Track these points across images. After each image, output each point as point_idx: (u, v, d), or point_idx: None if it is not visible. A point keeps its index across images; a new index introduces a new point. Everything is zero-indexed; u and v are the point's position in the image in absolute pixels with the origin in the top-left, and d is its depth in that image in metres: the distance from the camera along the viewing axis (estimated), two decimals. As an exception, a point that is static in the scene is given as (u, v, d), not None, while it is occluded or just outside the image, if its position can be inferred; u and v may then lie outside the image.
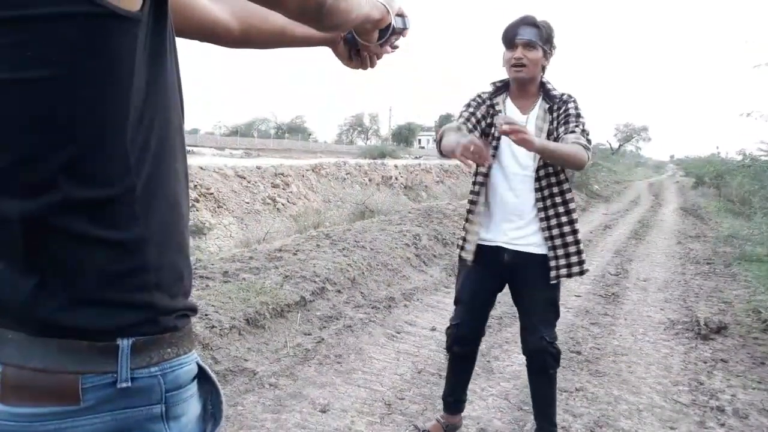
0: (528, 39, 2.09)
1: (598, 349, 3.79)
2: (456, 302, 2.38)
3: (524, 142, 1.79)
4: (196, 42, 0.94)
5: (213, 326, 3.19)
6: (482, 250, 2.24)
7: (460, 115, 2.22)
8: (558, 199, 2.17)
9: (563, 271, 2.18)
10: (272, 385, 2.91)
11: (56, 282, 0.61)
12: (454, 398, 2.49)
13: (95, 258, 0.62)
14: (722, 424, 2.77)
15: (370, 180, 17.91)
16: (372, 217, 9.00)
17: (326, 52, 1.04)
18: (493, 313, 4.21)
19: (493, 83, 2.29)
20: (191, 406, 0.71)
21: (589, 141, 2.09)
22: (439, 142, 2.08)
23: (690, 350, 3.85)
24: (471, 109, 2.21)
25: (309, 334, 3.60)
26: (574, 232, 2.18)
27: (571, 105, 2.16)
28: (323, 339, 3.52)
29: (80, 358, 0.61)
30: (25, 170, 0.59)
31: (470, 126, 2.16)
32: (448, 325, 2.41)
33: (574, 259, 2.18)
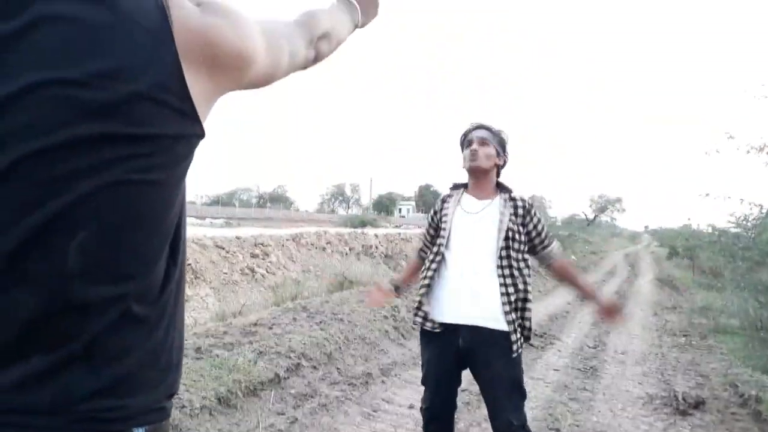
0: (482, 137, 2.34)
1: (578, 426, 3.74)
2: (423, 383, 2.37)
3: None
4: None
5: (183, 406, 3.09)
6: (439, 328, 2.25)
7: (422, 239, 2.55)
8: (517, 273, 2.21)
9: (521, 342, 2.23)
10: (242, 470, 2.80)
11: (98, 367, 0.65)
12: None
13: (140, 338, 0.69)
14: (703, 507, 2.72)
15: (350, 249, 17.89)
16: (351, 287, 8.94)
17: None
18: (471, 388, 4.18)
19: (454, 184, 2.48)
20: None
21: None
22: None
23: (669, 426, 3.81)
24: (425, 232, 2.52)
25: (282, 414, 3.50)
26: (528, 300, 2.25)
27: (535, 213, 2.33)
28: (297, 419, 3.42)
29: None
30: (124, 260, 0.66)
31: (429, 245, 2.48)
32: (421, 405, 2.40)
33: (527, 324, 2.25)
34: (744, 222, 5.41)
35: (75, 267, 0.63)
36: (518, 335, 2.20)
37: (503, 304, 2.18)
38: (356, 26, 1.12)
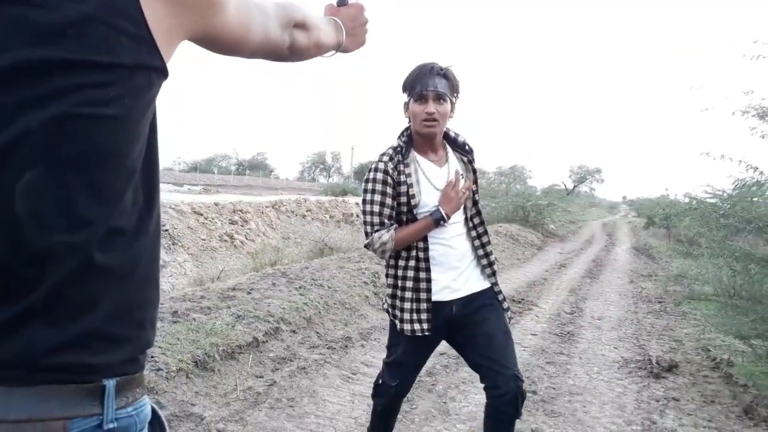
0: (440, 92, 1.98)
1: (554, 388, 3.79)
2: (396, 363, 2.18)
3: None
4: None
5: (159, 369, 3.04)
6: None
7: (373, 213, 2.05)
8: (485, 237, 2.18)
9: (501, 296, 2.18)
10: (219, 431, 2.78)
11: (61, 320, 0.60)
12: None
13: (108, 291, 0.63)
14: (675, 464, 2.78)
15: (330, 217, 17.82)
16: (331, 254, 8.91)
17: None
18: (450, 352, 4.20)
19: (401, 137, 2.13)
20: None
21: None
22: (386, 245, 2.00)
23: (643, 389, 3.88)
24: (378, 205, 2.05)
25: (261, 377, 3.48)
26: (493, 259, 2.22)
27: (475, 167, 2.20)
28: (275, 382, 3.40)
29: (67, 402, 0.60)
30: (81, 204, 0.60)
31: (391, 222, 2.05)
32: (380, 381, 2.24)
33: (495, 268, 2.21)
34: (721, 193, 5.47)
35: (23, 211, 0.57)
36: (498, 287, 2.18)
37: (483, 266, 2.16)
38: (339, 44, 1.06)
